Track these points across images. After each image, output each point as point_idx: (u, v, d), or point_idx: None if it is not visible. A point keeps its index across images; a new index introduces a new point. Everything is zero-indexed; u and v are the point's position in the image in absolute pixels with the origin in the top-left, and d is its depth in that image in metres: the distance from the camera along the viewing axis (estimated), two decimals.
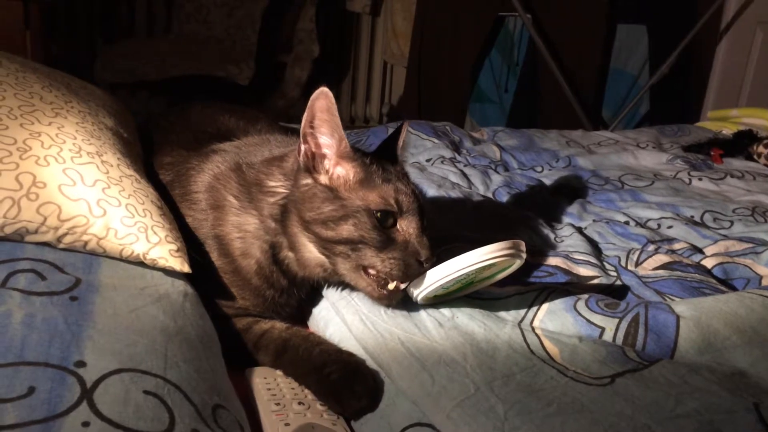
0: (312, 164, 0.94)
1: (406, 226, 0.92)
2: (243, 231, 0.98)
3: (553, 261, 1.15)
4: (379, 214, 0.90)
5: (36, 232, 0.85)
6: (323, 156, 0.95)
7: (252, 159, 1.02)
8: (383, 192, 0.92)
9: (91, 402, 0.62)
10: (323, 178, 0.94)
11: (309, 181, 0.94)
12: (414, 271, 0.90)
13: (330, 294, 1.00)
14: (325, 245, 0.92)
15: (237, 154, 1.03)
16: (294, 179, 0.95)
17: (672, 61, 2.97)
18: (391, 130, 1.96)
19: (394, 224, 0.92)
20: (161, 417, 0.64)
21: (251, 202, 0.98)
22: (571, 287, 1.07)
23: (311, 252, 0.94)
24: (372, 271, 0.91)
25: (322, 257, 0.93)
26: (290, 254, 0.96)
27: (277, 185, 0.97)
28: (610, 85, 3.19)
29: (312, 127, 0.93)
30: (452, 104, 3.24)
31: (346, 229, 0.90)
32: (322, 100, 0.91)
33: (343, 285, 0.98)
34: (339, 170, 0.94)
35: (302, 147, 0.94)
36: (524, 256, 0.91)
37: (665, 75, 2.99)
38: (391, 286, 0.90)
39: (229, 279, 0.98)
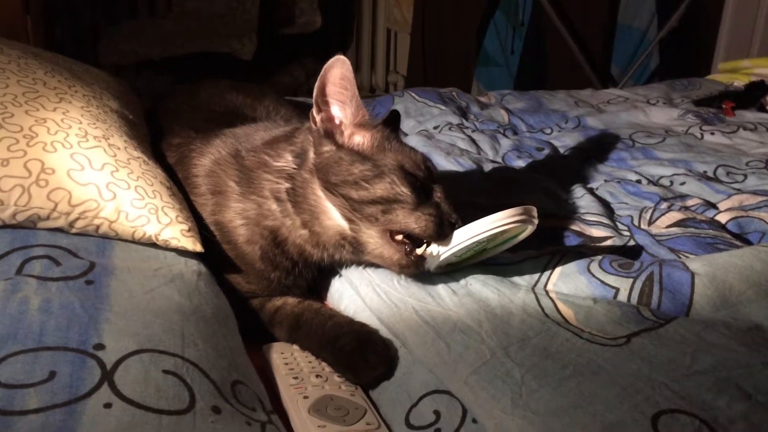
0: (328, 130, 0.94)
1: (436, 190, 0.92)
2: (246, 218, 0.96)
3: (565, 223, 1.15)
4: (411, 176, 0.90)
5: (48, 218, 0.86)
6: (338, 125, 0.94)
7: (251, 143, 1.00)
8: (413, 156, 0.93)
9: (112, 383, 0.63)
10: (344, 143, 0.94)
11: (331, 147, 0.93)
12: (446, 231, 0.88)
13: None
14: (354, 207, 0.89)
15: (236, 140, 1.02)
16: (314, 146, 0.94)
17: (680, 14, 2.91)
18: (397, 99, 1.96)
19: (425, 188, 0.91)
20: (181, 395, 0.65)
21: (250, 186, 0.96)
22: (583, 249, 1.06)
23: (332, 219, 0.91)
24: (399, 237, 0.89)
25: (344, 224, 0.91)
26: (302, 232, 0.94)
27: (285, 164, 0.95)
28: (618, 42, 3.14)
29: (326, 95, 0.93)
30: (458, 69, 3.20)
31: (382, 187, 0.88)
32: (338, 68, 0.90)
33: (356, 262, 0.96)
34: (358, 137, 0.94)
35: (317, 115, 0.94)
36: (536, 221, 0.91)
37: (674, 28, 2.94)
38: (420, 251, 0.89)
39: (232, 264, 0.97)
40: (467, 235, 0.88)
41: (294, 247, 0.96)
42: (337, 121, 0.95)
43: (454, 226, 0.89)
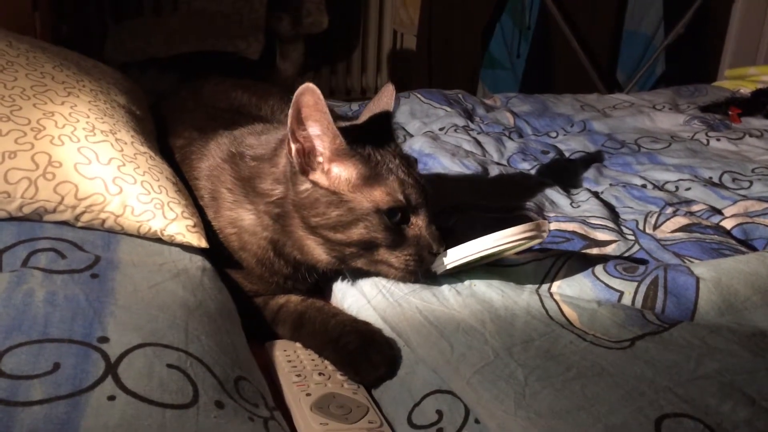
0: (306, 162, 0.90)
1: (416, 220, 0.91)
2: (237, 226, 0.96)
3: (570, 226, 1.15)
4: (388, 212, 0.88)
5: (54, 211, 0.86)
6: (316, 153, 0.90)
7: (243, 151, 0.98)
8: (390, 188, 0.89)
9: (116, 376, 0.63)
10: (322, 179, 0.89)
11: (308, 186, 0.90)
12: (428, 263, 0.90)
13: None
14: (334, 247, 0.90)
15: (231, 144, 1.00)
16: (291, 182, 0.91)
17: (687, 20, 2.91)
18: (403, 100, 1.95)
19: (404, 219, 0.90)
20: (185, 389, 0.65)
21: (246, 196, 0.95)
22: (588, 252, 1.06)
23: (320, 254, 0.92)
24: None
25: (331, 259, 0.92)
26: (295, 252, 0.94)
27: (270, 188, 0.93)
28: (625, 47, 3.13)
29: (300, 125, 0.88)
30: (464, 71, 3.20)
31: (357, 233, 0.88)
32: (309, 95, 0.86)
33: (360, 272, 0.96)
34: (337, 169, 0.89)
35: (293, 146, 0.89)
36: (545, 235, 0.91)
37: (681, 34, 2.94)
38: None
39: (236, 264, 0.98)
40: (476, 249, 0.89)
41: (290, 257, 0.96)
42: (318, 149, 0.90)
43: (435, 256, 0.90)
